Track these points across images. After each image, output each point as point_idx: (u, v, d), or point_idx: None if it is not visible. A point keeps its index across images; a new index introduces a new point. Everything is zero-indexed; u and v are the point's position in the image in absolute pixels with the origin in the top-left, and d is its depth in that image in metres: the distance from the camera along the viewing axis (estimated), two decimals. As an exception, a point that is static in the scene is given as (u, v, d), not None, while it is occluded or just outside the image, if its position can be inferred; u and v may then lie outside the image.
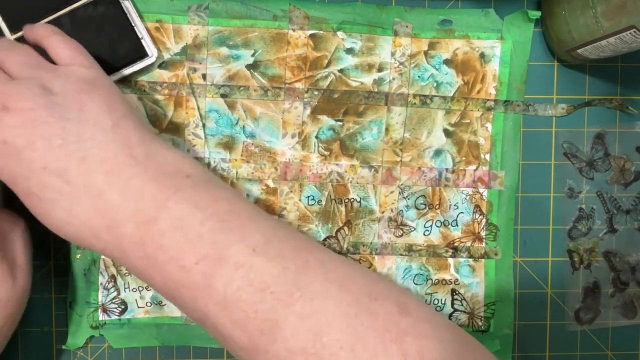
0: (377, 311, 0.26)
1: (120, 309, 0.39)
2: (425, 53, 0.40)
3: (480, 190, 0.40)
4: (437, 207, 0.40)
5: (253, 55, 0.39)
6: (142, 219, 0.26)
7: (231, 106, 0.39)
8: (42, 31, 0.31)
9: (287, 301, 0.26)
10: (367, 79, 0.39)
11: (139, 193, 0.26)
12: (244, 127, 0.39)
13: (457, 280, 0.41)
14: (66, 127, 0.27)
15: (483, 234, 0.41)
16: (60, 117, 0.27)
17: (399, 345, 0.25)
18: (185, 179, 0.28)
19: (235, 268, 0.26)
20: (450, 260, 0.40)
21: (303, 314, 0.25)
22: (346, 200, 0.40)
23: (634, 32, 0.33)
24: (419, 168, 0.40)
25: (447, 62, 0.40)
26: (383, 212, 0.40)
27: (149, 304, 0.39)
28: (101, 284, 0.39)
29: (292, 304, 0.26)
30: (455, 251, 0.40)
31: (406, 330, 0.26)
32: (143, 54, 0.37)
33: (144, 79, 0.38)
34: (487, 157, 0.40)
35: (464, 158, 0.40)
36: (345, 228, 0.40)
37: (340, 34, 0.39)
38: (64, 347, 0.39)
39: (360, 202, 0.40)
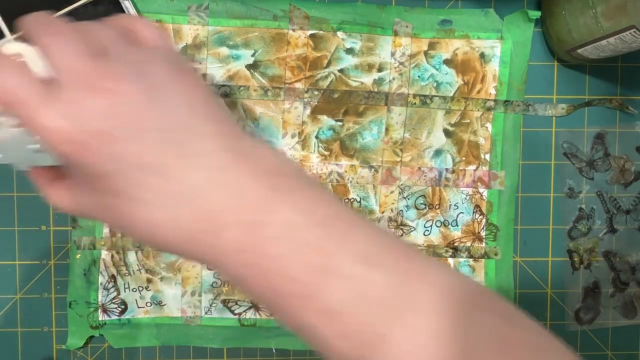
0: (484, 323, 0.25)
1: (120, 309, 0.39)
2: (425, 53, 0.40)
3: (480, 190, 0.40)
4: (437, 207, 0.40)
5: (253, 55, 0.39)
6: (247, 224, 0.23)
7: (231, 106, 0.39)
8: (126, 19, 0.28)
9: (393, 313, 0.24)
10: (367, 79, 0.39)
11: (243, 194, 0.23)
12: (243, 127, 0.39)
13: (457, 280, 0.41)
14: (167, 116, 0.23)
15: (483, 234, 0.41)
16: (161, 104, 0.23)
17: (512, 358, 0.25)
18: (289, 180, 0.25)
19: (340, 278, 0.24)
20: (451, 260, 0.40)
21: (409, 327, 0.24)
22: (346, 200, 0.40)
23: (634, 32, 0.33)
24: (419, 168, 0.40)
25: (447, 62, 0.40)
26: (383, 212, 0.40)
27: (149, 304, 0.39)
28: (101, 284, 0.39)
29: (398, 316, 0.24)
30: (455, 251, 0.40)
31: (515, 342, 0.25)
32: (143, 54, 0.37)
33: (144, 79, 0.38)
34: (487, 157, 0.40)
35: (464, 158, 0.40)
36: (345, 228, 0.40)
37: (340, 34, 0.39)
38: (64, 347, 0.39)
39: (360, 202, 0.40)
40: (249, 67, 0.39)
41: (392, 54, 0.39)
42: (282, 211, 0.24)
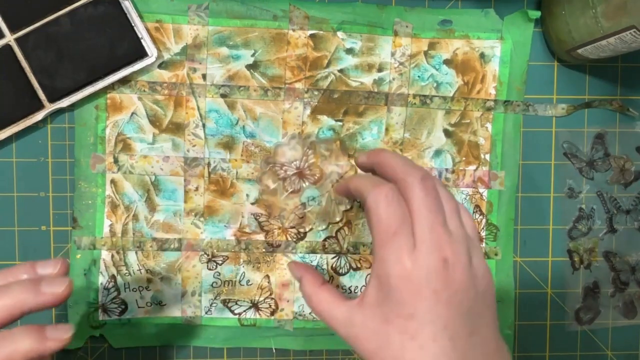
0: None
1: (120, 309, 0.39)
2: (425, 53, 0.40)
3: (480, 190, 0.40)
4: (437, 207, 0.40)
5: (253, 55, 0.39)
6: None
7: (231, 106, 0.39)
8: (460, 208, 0.32)
9: None
10: (367, 79, 0.39)
11: None
12: (244, 127, 0.39)
13: (457, 280, 0.40)
14: (476, 300, 0.28)
15: (483, 234, 0.41)
16: (475, 288, 0.28)
17: None
18: None
19: None
20: (450, 260, 0.40)
21: None
22: (346, 200, 0.40)
23: (634, 32, 0.33)
24: (419, 168, 0.40)
25: (447, 62, 0.40)
26: (383, 212, 0.40)
27: (149, 304, 0.39)
28: (101, 284, 0.39)
29: None
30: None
31: None
32: (143, 54, 0.37)
33: (144, 79, 0.38)
34: (487, 157, 0.40)
35: (464, 158, 0.40)
36: (345, 228, 0.40)
37: (340, 34, 0.39)
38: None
39: (360, 202, 0.40)
40: (249, 67, 0.39)
41: (392, 54, 0.39)
42: None
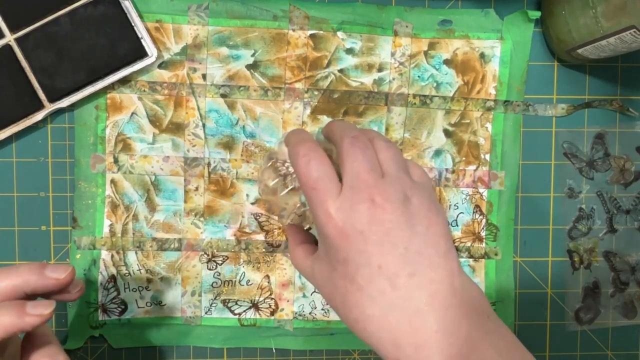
0: None
1: (120, 309, 0.39)
2: (425, 53, 0.40)
3: (480, 190, 0.40)
4: (437, 207, 0.40)
5: (253, 55, 0.39)
6: (453, 355, 0.27)
7: (231, 106, 0.39)
8: (406, 160, 0.32)
9: None
10: (367, 79, 0.39)
11: (455, 327, 0.27)
12: (244, 127, 0.39)
13: (457, 280, 0.40)
14: (412, 239, 0.28)
15: (483, 234, 0.41)
16: (411, 228, 0.28)
17: None
18: (488, 320, 0.29)
19: None
20: (450, 260, 0.40)
21: None
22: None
23: (634, 32, 0.33)
24: (419, 168, 0.40)
25: (447, 62, 0.40)
26: (383, 212, 0.40)
27: (148, 304, 0.39)
28: (101, 284, 0.39)
29: None
30: (456, 251, 0.40)
31: None
32: (143, 54, 0.37)
33: (144, 79, 0.38)
34: (487, 157, 0.40)
35: (464, 158, 0.40)
36: (345, 228, 0.40)
37: (340, 34, 0.39)
38: (64, 347, 0.39)
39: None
40: (249, 67, 0.39)
41: (392, 54, 0.39)
42: (483, 351, 0.27)
